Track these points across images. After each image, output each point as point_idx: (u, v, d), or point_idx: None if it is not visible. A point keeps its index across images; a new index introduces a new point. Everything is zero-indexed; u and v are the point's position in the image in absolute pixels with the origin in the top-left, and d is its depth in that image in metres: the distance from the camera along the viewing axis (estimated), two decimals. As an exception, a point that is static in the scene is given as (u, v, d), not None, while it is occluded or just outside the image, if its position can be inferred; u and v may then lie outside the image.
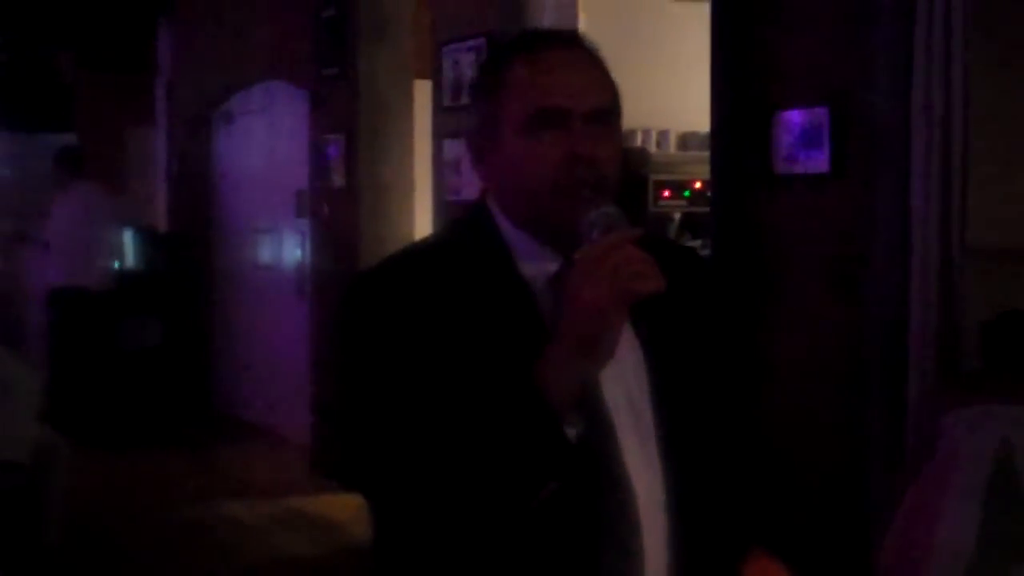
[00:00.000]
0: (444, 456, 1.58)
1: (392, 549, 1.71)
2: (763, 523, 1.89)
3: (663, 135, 5.78)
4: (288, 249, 8.25)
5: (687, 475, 1.73)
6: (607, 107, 1.72)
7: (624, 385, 1.71)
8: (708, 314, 1.87)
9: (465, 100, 5.75)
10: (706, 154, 4.68)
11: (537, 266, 1.72)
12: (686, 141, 5.82)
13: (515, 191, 1.72)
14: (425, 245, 1.87)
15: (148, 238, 9.51)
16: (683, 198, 5.55)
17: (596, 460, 1.65)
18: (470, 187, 5.79)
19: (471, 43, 5.70)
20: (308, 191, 7.65)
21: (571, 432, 1.57)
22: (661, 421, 1.72)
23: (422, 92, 6.71)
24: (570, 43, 1.76)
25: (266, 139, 8.65)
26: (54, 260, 8.53)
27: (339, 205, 7.15)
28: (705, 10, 4.41)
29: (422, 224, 6.85)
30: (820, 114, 3.89)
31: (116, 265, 8.93)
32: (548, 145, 1.66)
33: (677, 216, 5.58)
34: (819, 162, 3.90)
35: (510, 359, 1.61)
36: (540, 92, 1.68)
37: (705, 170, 4.70)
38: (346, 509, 6.36)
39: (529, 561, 1.63)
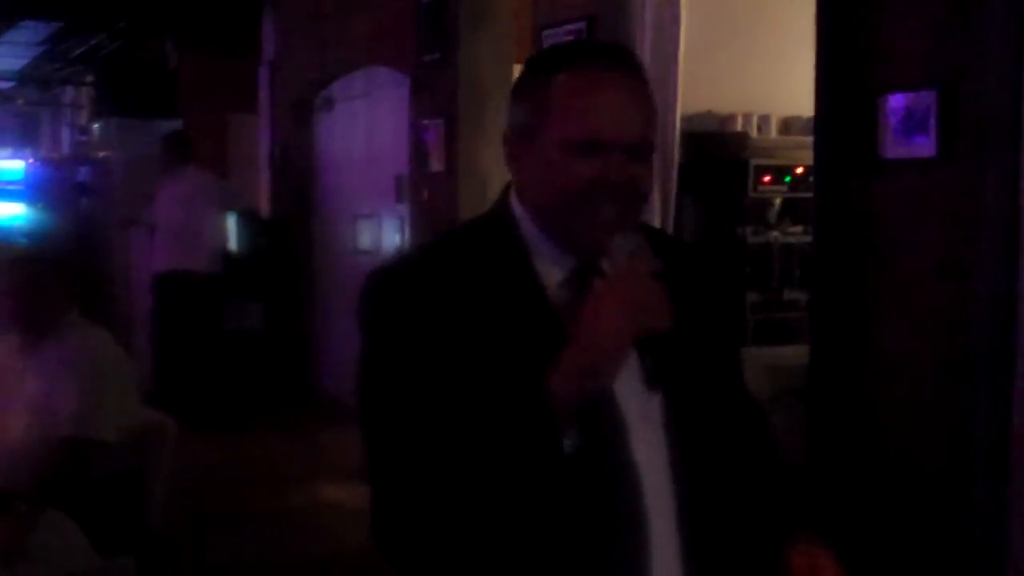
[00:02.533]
0: (446, 453, 1.63)
1: (389, 537, 1.73)
2: (798, 513, 1.89)
3: (764, 119, 5.70)
4: (388, 234, 8.30)
5: (699, 478, 1.78)
6: (647, 143, 1.76)
7: (633, 388, 1.73)
8: (715, 310, 1.94)
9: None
10: (808, 139, 4.60)
11: (552, 265, 1.78)
12: (788, 125, 5.74)
13: (543, 197, 1.77)
14: (446, 239, 1.92)
15: (251, 223, 9.63)
16: (784, 183, 5.47)
17: (601, 468, 1.70)
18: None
19: (571, 27, 5.67)
20: (408, 176, 7.69)
21: (568, 443, 1.61)
22: (671, 423, 1.77)
23: (522, 77, 6.69)
24: (620, 64, 1.76)
25: (367, 124, 8.70)
26: (160, 244, 8.68)
27: (438, 190, 7.18)
28: (810, -8, 4.34)
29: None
30: (927, 97, 3.80)
31: (224, 249, 9.05)
32: (583, 165, 1.71)
33: (777, 202, 5.50)
34: (926, 147, 3.82)
35: (522, 355, 1.67)
36: (582, 121, 1.71)
37: (807, 155, 4.62)
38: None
39: (529, 565, 1.67)
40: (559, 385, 1.61)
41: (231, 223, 9.32)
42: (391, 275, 1.81)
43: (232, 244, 9.32)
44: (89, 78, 14.60)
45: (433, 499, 1.64)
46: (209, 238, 8.74)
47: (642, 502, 1.71)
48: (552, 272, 1.77)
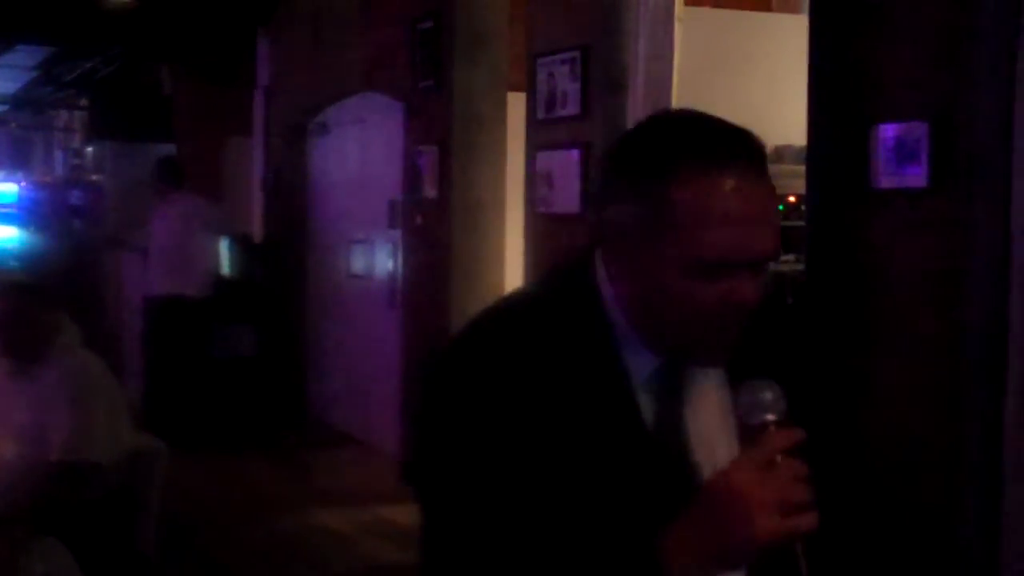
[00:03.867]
0: None
1: None
2: None
3: (757, 148, 5.72)
4: (380, 259, 8.31)
5: None
6: (777, 250, 1.53)
7: None
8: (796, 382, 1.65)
9: (560, 112, 5.75)
10: (800, 167, 4.62)
11: (638, 354, 1.57)
12: (780, 154, 5.76)
13: (654, 314, 1.55)
14: (520, 312, 1.65)
15: (244, 247, 9.63)
16: (777, 212, 5.48)
17: None
18: (562, 200, 5.78)
19: (565, 55, 5.70)
20: (401, 202, 7.70)
21: None
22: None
23: (516, 104, 6.72)
24: (750, 162, 1.50)
25: (360, 150, 8.72)
26: (153, 268, 8.68)
27: (431, 216, 7.19)
28: (803, 22, 4.37)
29: (513, 236, 6.86)
30: (919, 128, 3.82)
31: (217, 273, 9.05)
32: (710, 288, 1.49)
33: (771, 230, 5.51)
34: (917, 176, 3.84)
35: (606, 466, 1.51)
36: (715, 242, 1.47)
37: (798, 184, 4.64)
38: (435, 519, 6.38)
39: None
40: (676, 563, 1.43)
41: (224, 247, 9.32)
42: (463, 354, 1.60)
43: (224, 268, 9.32)
44: (83, 102, 14.63)
45: None
46: (201, 262, 8.74)
47: None
48: (640, 361, 1.57)
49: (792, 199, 5.39)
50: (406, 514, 6.57)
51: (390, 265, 8.09)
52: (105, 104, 11.53)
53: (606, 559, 1.46)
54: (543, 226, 6.00)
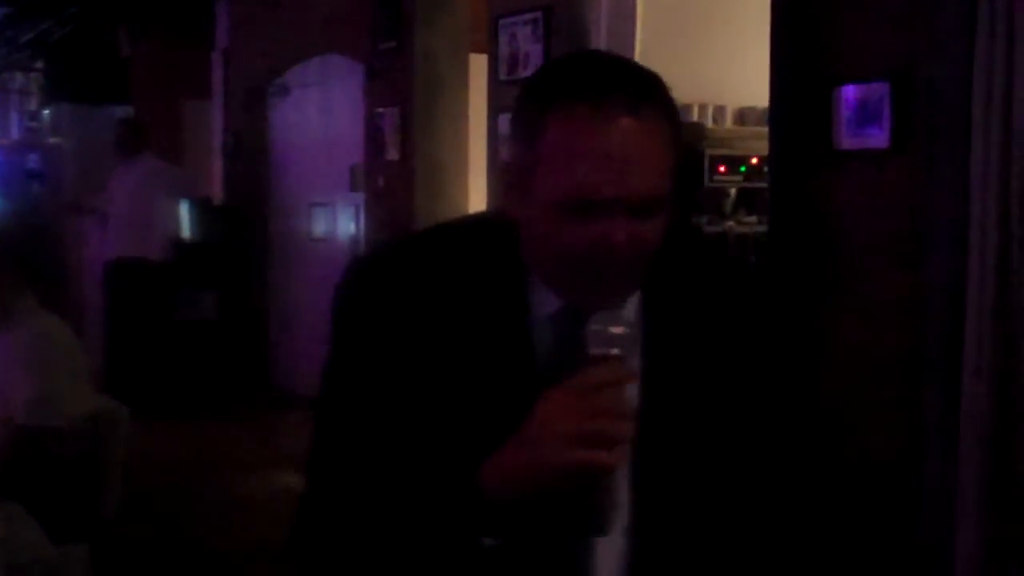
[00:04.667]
0: (368, 491, 1.52)
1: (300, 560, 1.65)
2: None
3: (720, 110, 5.73)
4: (342, 222, 8.28)
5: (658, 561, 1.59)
6: (656, 198, 1.46)
7: None
8: (748, 366, 1.65)
9: (523, 73, 5.73)
10: (763, 129, 4.64)
11: (544, 295, 1.55)
12: (743, 116, 5.78)
13: (537, 252, 1.54)
14: (440, 234, 1.67)
15: (204, 211, 9.57)
16: (739, 173, 5.51)
17: (536, 560, 1.53)
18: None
19: (527, 16, 5.68)
20: (363, 165, 7.67)
21: (489, 539, 1.44)
22: (638, 485, 1.57)
23: (478, 66, 6.70)
24: (630, 102, 1.44)
25: (321, 112, 8.67)
26: (113, 232, 8.61)
27: (393, 179, 7.17)
28: (765, -17, 4.37)
29: (476, 197, 6.85)
30: (881, 89, 3.84)
31: (178, 237, 9.00)
32: (578, 229, 1.45)
33: (733, 191, 5.54)
34: (879, 137, 3.86)
35: (486, 395, 1.51)
36: (577, 177, 1.42)
37: (762, 145, 4.66)
38: (399, 481, 6.39)
39: None
40: (493, 480, 1.43)
41: (184, 211, 9.26)
42: (371, 269, 1.63)
43: (185, 232, 9.26)
44: (39, 64, 14.45)
45: (347, 536, 1.54)
46: (162, 226, 8.68)
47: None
48: (544, 302, 1.55)
49: (755, 161, 5.42)
50: (370, 477, 6.59)
51: (352, 228, 8.07)
52: (61, 66, 11.41)
53: (432, 479, 1.47)
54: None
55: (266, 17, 9.12)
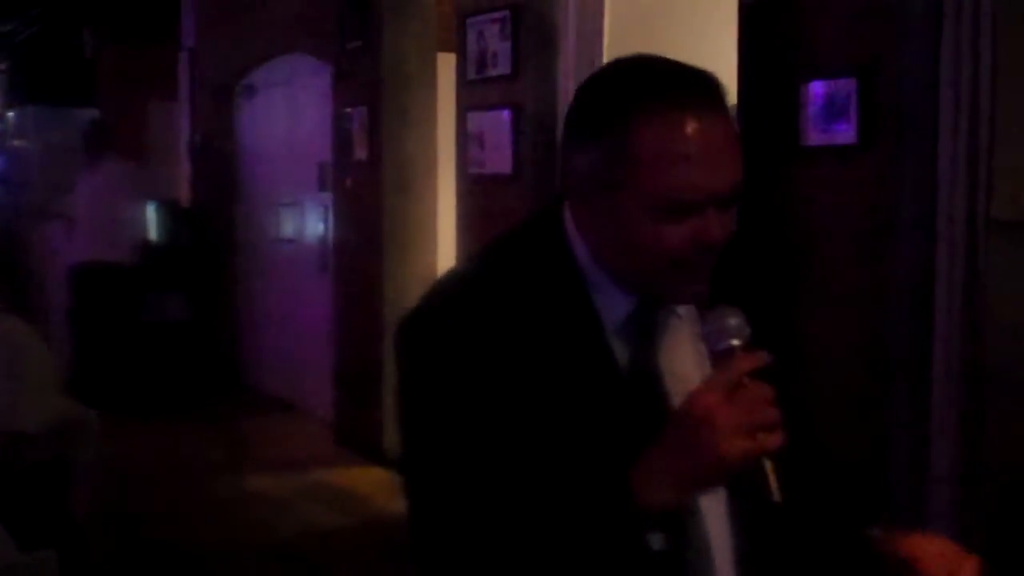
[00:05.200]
0: (509, 539, 1.48)
1: None
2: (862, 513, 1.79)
3: (687, 107, 5.75)
4: (311, 222, 8.26)
5: (761, 544, 1.65)
6: (741, 187, 1.52)
7: None
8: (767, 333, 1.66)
9: (491, 72, 5.72)
10: (732, 126, 4.65)
11: (610, 301, 1.58)
12: (711, 113, 5.79)
13: (624, 259, 1.55)
14: (489, 265, 1.65)
15: (172, 212, 9.53)
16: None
17: (684, 564, 1.57)
18: (493, 161, 5.77)
19: (495, 15, 5.67)
20: (331, 164, 7.65)
21: (655, 541, 1.46)
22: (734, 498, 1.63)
23: (446, 65, 6.69)
24: (709, 100, 1.50)
25: (289, 112, 8.64)
26: (79, 235, 8.56)
27: (362, 178, 7.15)
28: (731, -20, 4.38)
29: (445, 198, 6.84)
30: (848, 85, 3.85)
31: (145, 239, 8.95)
32: (677, 229, 1.49)
33: (702, 188, 5.55)
34: (847, 134, 3.87)
35: (582, 411, 1.52)
36: (676, 181, 1.46)
37: (730, 142, 4.67)
38: (371, 481, 6.39)
39: None
40: (649, 489, 1.44)
41: (151, 213, 9.21)
42: (432, 319, 1.58)
43: (152, 234, 9.21)
44: (3, 66, 14.34)
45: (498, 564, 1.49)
46: (129, 228, 8.63)
47: None
48: (612, 307, 1.58)
49: (722, 157, 5.42)
50: (341, 477, 6.59)
51: (320, 228, 8.05)
52: (25, 68, 11.31)
53: (580, 494, 1.47)
54: (475, 187, 5.99)
55: (233, 17, 9.08)
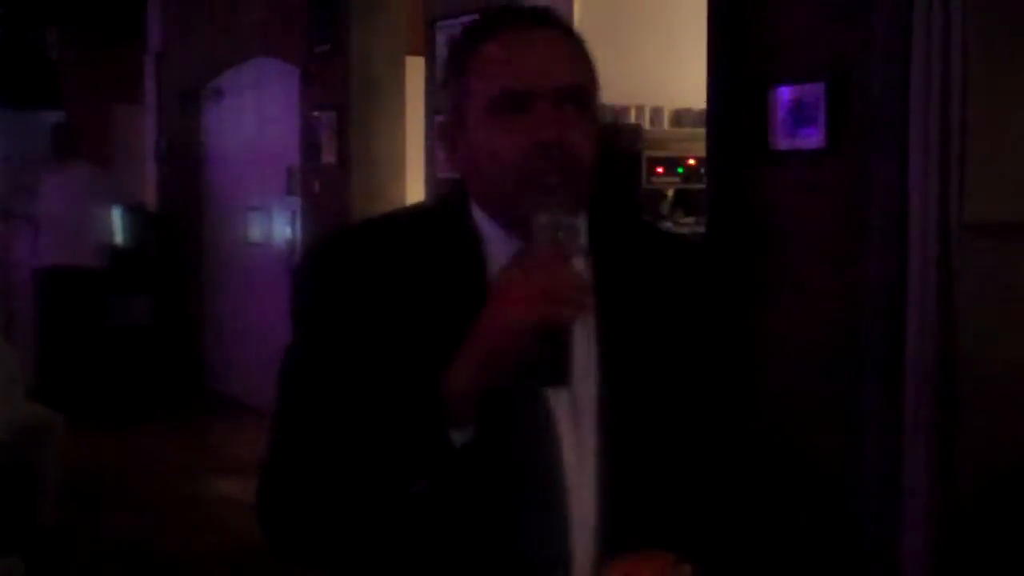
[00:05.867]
0: (340, 436, 1.56)
1: (272, 518, 1.66)
2: (705, 540, 1.73)
3: (656, 112, 5.75)
4: (278, 226, 8.23)
5: (627, 484, 1.65)
6: (577, 84, 1.61)
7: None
8: (691, 311, 1.75)
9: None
10: (700, 130, 4.65)
11: (497, 248, 1.64)
12: (680, 118, 5.80)
13: (480, 180, 1.64)
14: (393, 216, 1.83)
15: (137, 216, 9.47)
16: (677, 175, 5.52)
17: (508, 458, 1.60)
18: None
19: (464, 19, 5.66)
20: (299, 168, 7.63)
21: (459, 436, 1.51)
22: (605, 422, 1.64)
23: (415, 69, 6.68)
24: (539, 21, 1.63)
25: (256, 116, 8.61)
26: (45, 239, 8.50)
27: (330, 182, 7.13)
28: (701, -15, 4.39)
29: (414, 200, 6.83)
30: (816, 89, 3.87)
31: (111, 243, 8.90)
32: (511, 133, 1.57)
33: (670, 193, 5.55)
34: (815, 138, 3.88)
35: (448, 344, 1.54)
36: (502, 73, 1.58)
37: (699, 147, 4.68)
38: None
39: (421, 552, 1.60)
40: (455, 377, 1.50)
41: (117, 217, 9.16)
42: (329, 250, 1.71)
43: (118, 238, 9.16)
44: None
45: (319, 482, 1.57)
46: (94, 232, 8.59)
47: (559, 489, 1.62)
48: (499, 255, 1.62)
49: (692, 162, 5.43)
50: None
51: (288, 232, 8.02)
52: (-11, 70, 11.20)
53: (396, 399, 1.53)
54: (444, 190, 5.98)
55: (200, 20, 9.04)
